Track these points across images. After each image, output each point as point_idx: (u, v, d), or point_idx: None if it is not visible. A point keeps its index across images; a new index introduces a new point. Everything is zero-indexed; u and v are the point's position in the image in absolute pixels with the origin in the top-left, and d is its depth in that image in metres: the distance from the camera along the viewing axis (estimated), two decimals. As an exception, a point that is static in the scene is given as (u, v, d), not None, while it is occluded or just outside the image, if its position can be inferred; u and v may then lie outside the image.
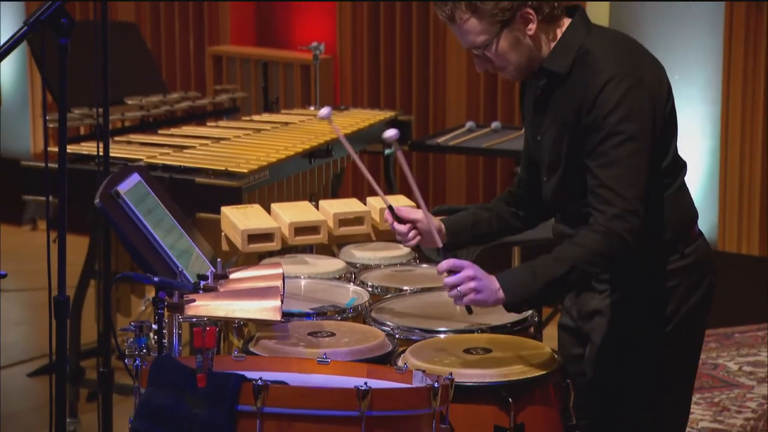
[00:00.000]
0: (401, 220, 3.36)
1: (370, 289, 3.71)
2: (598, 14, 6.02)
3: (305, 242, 3.94)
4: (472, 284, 3.07)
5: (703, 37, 6.05)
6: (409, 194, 3.49)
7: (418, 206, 3.37)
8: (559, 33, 3.19)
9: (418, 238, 3.37)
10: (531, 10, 3.13)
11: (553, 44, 3.19)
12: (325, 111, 3.34)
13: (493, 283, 3.08)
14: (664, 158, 3.21)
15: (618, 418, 3.29)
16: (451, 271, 3.10)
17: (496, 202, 3.48)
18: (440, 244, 3.34)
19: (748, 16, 5.95)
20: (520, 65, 3.20)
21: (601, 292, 3.27)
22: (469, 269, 3.08)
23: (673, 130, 3.22)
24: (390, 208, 3.37)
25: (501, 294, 3.08)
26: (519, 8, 3.12)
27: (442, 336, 3.38)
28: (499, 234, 3.47)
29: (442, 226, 3.39)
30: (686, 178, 3.30)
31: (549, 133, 3.23)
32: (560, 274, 3.08)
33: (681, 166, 3.26)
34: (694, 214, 3.29)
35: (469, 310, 3.15)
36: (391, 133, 3.28)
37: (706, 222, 6.00)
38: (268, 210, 4.01)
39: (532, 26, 3.15)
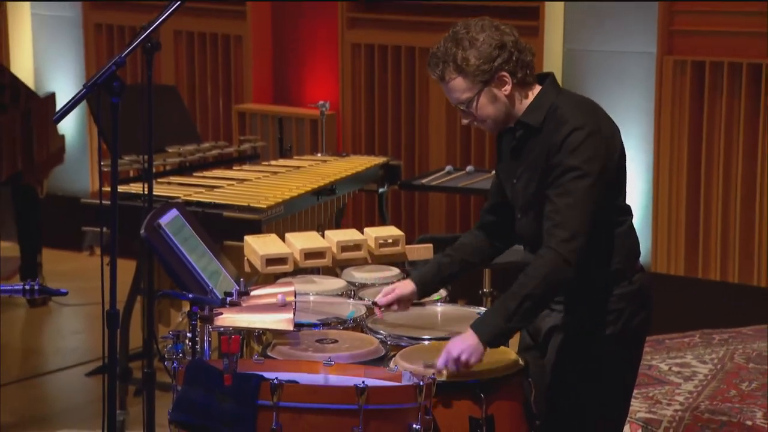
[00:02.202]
0: (384, 307, 3.47)
1: (367, 303, 3.69)
2: (554, 16, 6.01)
3: (313, 265, 3.92)
4: (463, 358, 3.08)
5: (638, 100, 6.07)
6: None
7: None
8: (531, 95, 3.20)
9: (402, 306, 3.47)
10: (507, 74, 3.14)
11: (525, 102, 3.19)
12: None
13: (472, 339, 3.09)
14: (617, 199, 3.21)
15: (570, 415, 3.27)
16: (437, 364, 3.10)
17: (463, 240, 3.48)
18: (416, 298, 3.47)
19: (674, 85, 5.97)
20: (497, 119, 3.20)
21: (558, 312, 3.25)
22: (452, 351, 3.09)
23: (623, 177, 3.23)
24: (374, 304, 3.48)
25: (479, 343, 3.08)
26: (497, 71, 3.14)
27: (426, 343, 3.37)
28: (461, 271, 3.47)
29: (413, 285, 3.43)
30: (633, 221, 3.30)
31: (523, 176, 3.22)
32: (515, 307, 3.08)
33: (629, 210, 3.27)
34: (639, 250, 3.29)
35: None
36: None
37: (642, 248, 5.95)
38: (283, 238, 3.99)
39: (508, 87, 3.16)
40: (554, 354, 3.26)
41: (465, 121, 3.26)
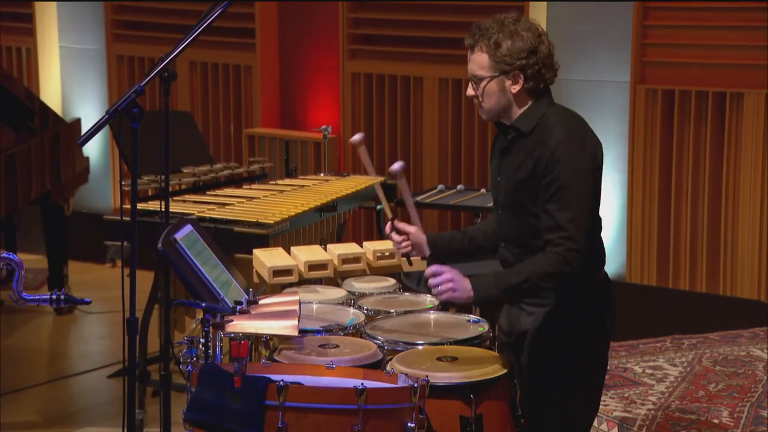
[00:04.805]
0: (399, 232, 3.33)
1: (365, 311, 3.67)
2: (537, 16, 6.02)
3: (316, 276, 3.91)
4: (450, 284, 3.05)
5: (614, 124, 6.07)
6: (407, 220, 3.43)
7: (414, 224, 3.34)
8: (529, 103, 3.17)
9: (410, 247, 3.33)
10: (522, 75, 3.12)
11: (521, 104, 3.17)
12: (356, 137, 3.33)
13: (466, 284, 3.06)
14: (597, 210, 3.20)
15: (548, 412, 3.25)
16: (435, 274, 3.06)
17: (477, 225, 3.44)
18: (427, 253, 3.33)
19: (646, 111, 5.97)
20: (493, 110, 3.18)
21: (530, 314, 3.23)
22: (449, 273, 3.06)
23: (601, 188, 3.22)
24: (392, 221, 3.33)
25: (471, 293, 3.05)
26: (516, 69, 3.12)
27: (420, 347, 3.35)
28: (470, 251, 3.39)
29: (426, 240, 3.34)
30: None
31: (506, 175, 3.21)
32: (516, 283, 3.06)
33: (600, 222, 3.25)
34: (605, 260, 3.27)
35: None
36: (396, 166, 3.25)
37: (618, 260, 5.98)
38: (289, 251, 3.98)
39: (517, 87, 3.14)
40: (530, 356, 3.24)
41: (470, 93, 3.21)
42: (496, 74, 3.13)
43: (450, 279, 3.05)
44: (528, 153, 3.13)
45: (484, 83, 3.15)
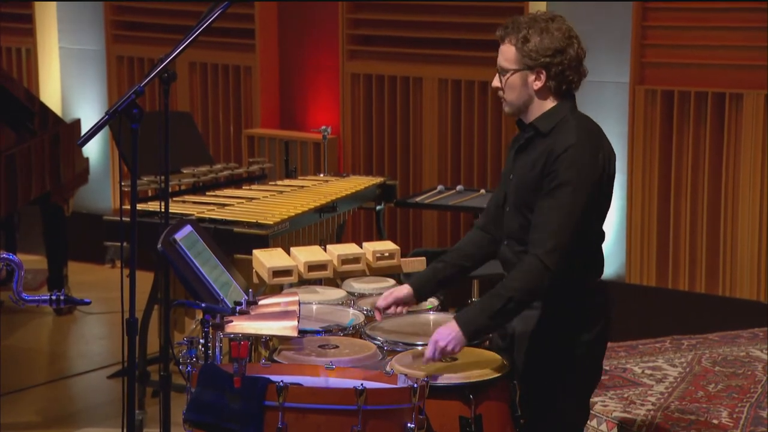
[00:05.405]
0: (387, 309, 3.43)
1: (365, 312, 3.67)
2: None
3: (316, 276, 3.91)
4: (449, 348, 3.10)
5: (613, 125, 6.07)
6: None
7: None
8: (551, 103, 3.17)
9: (401, 308, 3.44)
10: (545, 73, 3.13)
11: (546, 105, 3.17)
12: None
13: (453, 329, 3.10)
14: (598, 222, 3.20)
15: (539, 413, 3.25)
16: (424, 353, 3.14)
17: (457, 246, 3.45)
18: (417, 301, 3.46)
19: (645, 112, 5.97)
20: (514, 104, 3.20)
21: (522, 317, 3.23)
22: (439, 341, 3.11)
23: (608, 203, 3.22)
24: (378, 310, 3.45)
25: (462, 334, 3.08)
26: (540, 65, 3.13)
27: (419, 348, 3.34)
28: (455, 275, 3.43)
29: (411, 289, 3.41)
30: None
31: (519, 173, 3.21)
32: (499, 307, 3.08)
33: (603, 234, 3.27)
34: (603, 269, 3.28)
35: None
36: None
37: (617, 262, 5.98)
38: (289, 252, 3.98)
39: (539, 83, 3.15)
40: (522, 357, 3.25)
41: (494, 84, 3.23)
42: (521, 68, 3.14)
43: (441, 343, 3.10)
44: (542, 153, 3.14)
45: (507, 75, 3.17)
